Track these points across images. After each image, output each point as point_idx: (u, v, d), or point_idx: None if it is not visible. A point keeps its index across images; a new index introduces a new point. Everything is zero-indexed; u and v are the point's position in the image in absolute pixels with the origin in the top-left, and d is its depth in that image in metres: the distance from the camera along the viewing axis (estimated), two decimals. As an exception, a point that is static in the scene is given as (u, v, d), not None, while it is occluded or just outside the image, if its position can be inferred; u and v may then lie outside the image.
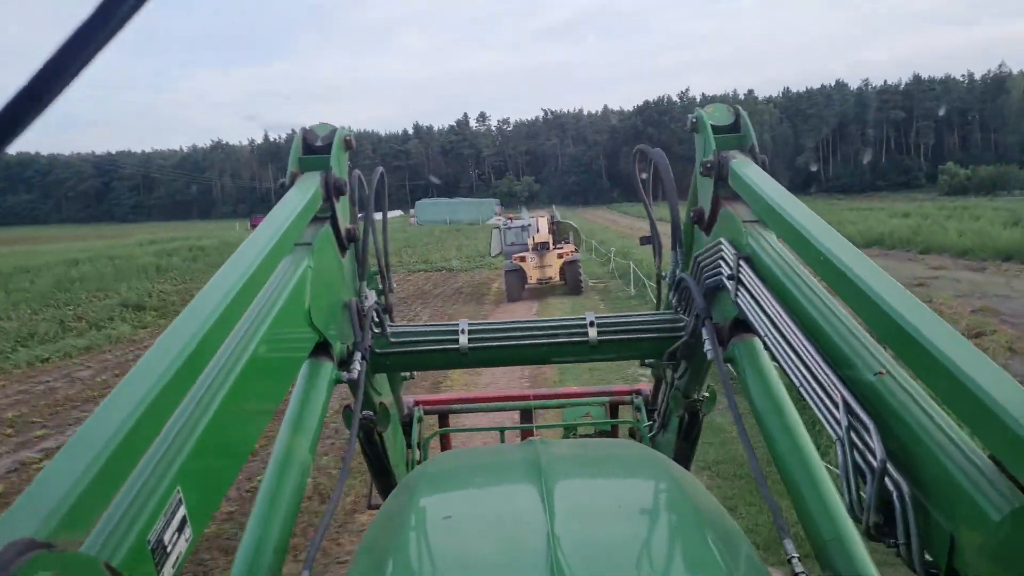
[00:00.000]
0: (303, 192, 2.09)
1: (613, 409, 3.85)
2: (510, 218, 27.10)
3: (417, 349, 2.69)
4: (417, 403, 3.62)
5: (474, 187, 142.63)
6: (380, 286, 2.62)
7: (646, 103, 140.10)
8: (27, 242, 62.76)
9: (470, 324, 2.72)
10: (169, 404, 1.16)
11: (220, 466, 1.33)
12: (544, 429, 3.74)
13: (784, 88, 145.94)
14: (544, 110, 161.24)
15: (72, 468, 0.94)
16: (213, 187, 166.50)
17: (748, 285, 1.91)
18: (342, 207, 2.29)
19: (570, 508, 1.47)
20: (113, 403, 1.08)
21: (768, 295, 1.79)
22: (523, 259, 21.84)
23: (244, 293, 1.50)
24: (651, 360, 2.89)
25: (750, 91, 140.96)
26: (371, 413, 2.62)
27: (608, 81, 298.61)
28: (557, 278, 21.94)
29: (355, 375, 2.15)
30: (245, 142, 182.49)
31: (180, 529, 1.12)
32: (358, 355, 2.21)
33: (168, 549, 1.07)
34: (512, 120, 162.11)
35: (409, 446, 3.42)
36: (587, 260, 30.08)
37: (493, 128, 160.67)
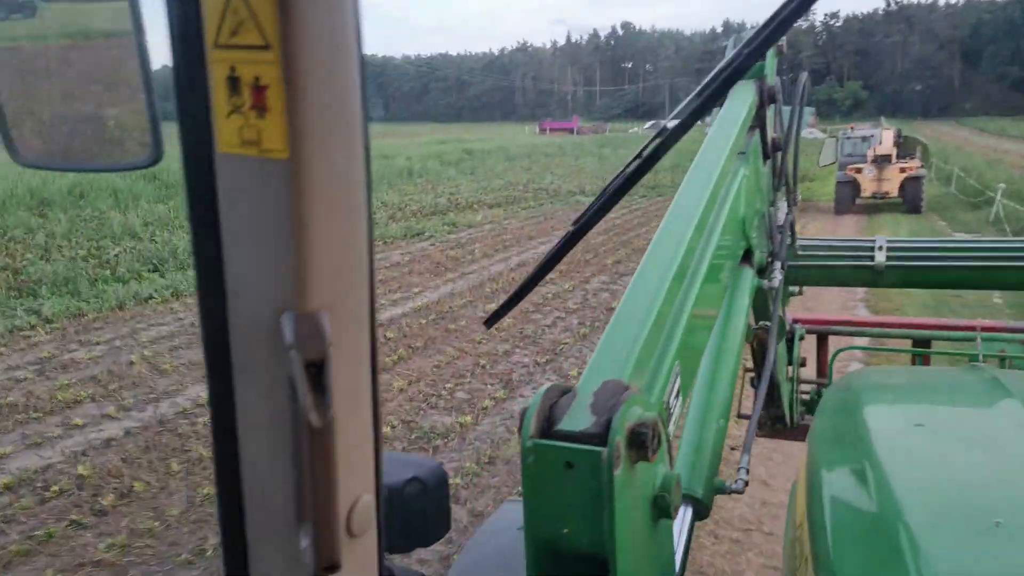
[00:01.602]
0: (742, 102, 2.04)
1: None
2: (851, 128, 25.47)
3: (827, 264, 3.02)
4: (796, 321, 3.62)
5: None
6: (786, 197, 2.58)
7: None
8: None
9: (889, 241, 2.89)
10: (675, 290, 1.35)
11: (695, 351, 1.47)
12: (982, 358, 3.44)
13: None
14: (887, 0, 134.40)
15: (627, 333, 1.16)
16: (516, 90, 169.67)
17: None
18: (770, 115, 2.29)
19: None
20: (641, 281, 1.30)
21: None
22: (859, 171, 20.86)
23: (712, 199, 1.64)
24: None
25: None
26: (767, 324, 2.46)
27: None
28: (895, 194, 20.57)
29: (776, 283, 2.24)
30: (548, 44, 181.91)
31: (676, 397, 1.30)
32: (778, 264, 2.28)
33: (671, 412, 1.24)
34: (843, 14, 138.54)
35: (790, 363, 3.47)
36: (941, 195, 22.00)
37: (817, 24, 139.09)
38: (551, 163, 37.15)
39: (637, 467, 0.96)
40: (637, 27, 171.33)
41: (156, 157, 0.69)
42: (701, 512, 1.46)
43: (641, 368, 1.15)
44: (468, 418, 6.54)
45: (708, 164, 1.74)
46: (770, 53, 2.28)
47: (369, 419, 0.60)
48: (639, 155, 1.23)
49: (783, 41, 2.29)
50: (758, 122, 2.19)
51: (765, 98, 2.17)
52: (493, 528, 1.69)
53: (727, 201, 1.79)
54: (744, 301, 1.99)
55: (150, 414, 6.69)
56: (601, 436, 0.92)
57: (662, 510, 1.04)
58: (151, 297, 10.77)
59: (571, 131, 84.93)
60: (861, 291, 11.46)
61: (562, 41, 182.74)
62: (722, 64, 1.19)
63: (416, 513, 0.98)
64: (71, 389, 7.25)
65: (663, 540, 1.10)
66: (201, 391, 7.25)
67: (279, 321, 0.53)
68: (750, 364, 3.03)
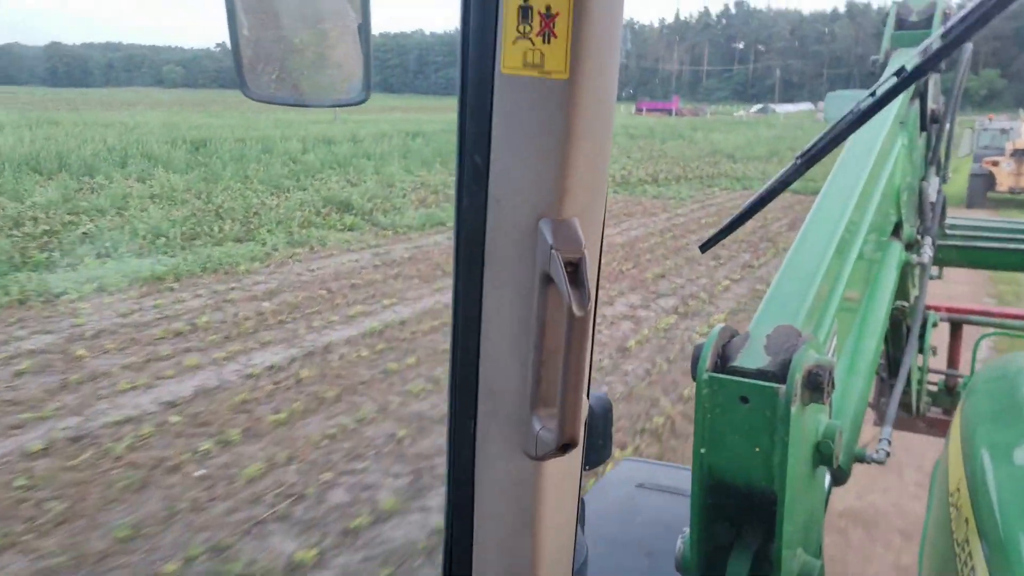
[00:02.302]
0: None
1: None
2: (989, 118, 24.81)
3: (980, 245, 2.78)
4: (929, 308, 3.36)
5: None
6: (938, 173, 2.48)
7: None
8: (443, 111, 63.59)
9: None
10: (842, 246, 1.39)
11: (849, 313, 1.49)
12: None
13: None
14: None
15: (797, 283, 1.23)
16: (619, 69, 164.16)
17: None
18: (933, 85, 2.21)
19: None
20: (811, 235, 1.36)
21: None
22: (995, 164, 20.19)
23: (876, 165, 1.64)
24: None
25: None
26: (904, 303, 2.33)
27: None
28: None
29: (925, 259, 2.14)
30: (656, 23, 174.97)
31: (834, 355, 1.33)
32: (928, 240, 2.17)
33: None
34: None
35: (920, 350, 3.25)
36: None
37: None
38: (634, 146, 33.97)
39: (808, 409, 0.98)
40: (752, 6, 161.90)
41: (365, 95, 0.76)
42: (839, 478, 1.41)
43: (810, 319, 1.20)
44: (312, 554, 4.13)
45: (873, 129, 1.71)
46: (937, 21, 2.27)
47: (591, 322, 0.62)
48: (872, 93, 1.22)
49: (951, 8, 2.26)
50: (919, 91, 2.13)
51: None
52: (611, 482, 1.76)
53: (886, 170, 1.76)
54: (891, 275, 1.91)
55: None
56: (777, 375, 0.96)
57: (824, 457, 1.05)
58: (64, 294, 8.85)
59: (669, 112, 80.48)
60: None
61: (671, 19, 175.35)
62: (950, 23, 1.25)
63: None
64: None
65: (818, 489, 1.11)
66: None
67: (537, 226, 0.61)
68: None
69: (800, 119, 65.42)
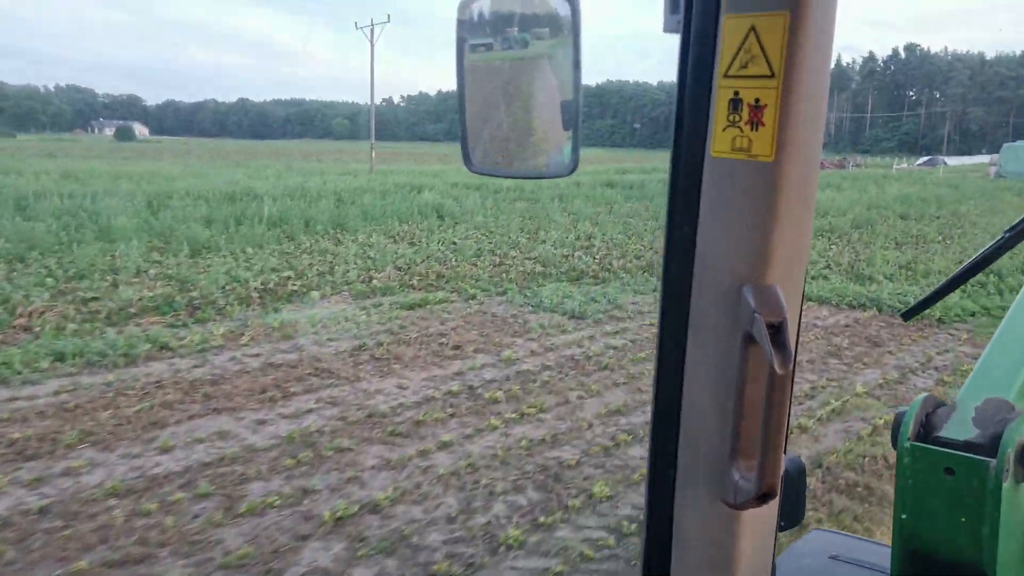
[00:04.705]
0: None
1: None
2: None
3: None
4: None
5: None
6: None
7: None
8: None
9: None
10: None
11: None
12: None
13: None
14: None
15: (1012, 352, 1.11)
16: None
17: None
18: None
19: None
20: (1021, 312, 1.22)
21: None
22: None
23: None
24: None
25: None
26: None
27: None
28: None
29: None
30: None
31: None
32: None
33: None
34: None
35: None
36: None
37: None
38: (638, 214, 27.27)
39: (1022, 487, 0.93)
40: (926, 49, 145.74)
41: (573, 167, 0.83)
42: None
43: (1021, 390, 1.12)
44: None
45: None
46: None
47: (791, 381, 0.65)
48: None
49: None
50: None
51: None
52: (801, 552, 1.71)
53: None
54: None
55: None
56: (987, 448, 0.91)
57: None
58: None
59: (805, 166, 71.03)
60: None
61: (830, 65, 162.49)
62: None
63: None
64: None
65: None
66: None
67: (740, 292, 0.66)
68: None
69: (961, 174, 54.04)
